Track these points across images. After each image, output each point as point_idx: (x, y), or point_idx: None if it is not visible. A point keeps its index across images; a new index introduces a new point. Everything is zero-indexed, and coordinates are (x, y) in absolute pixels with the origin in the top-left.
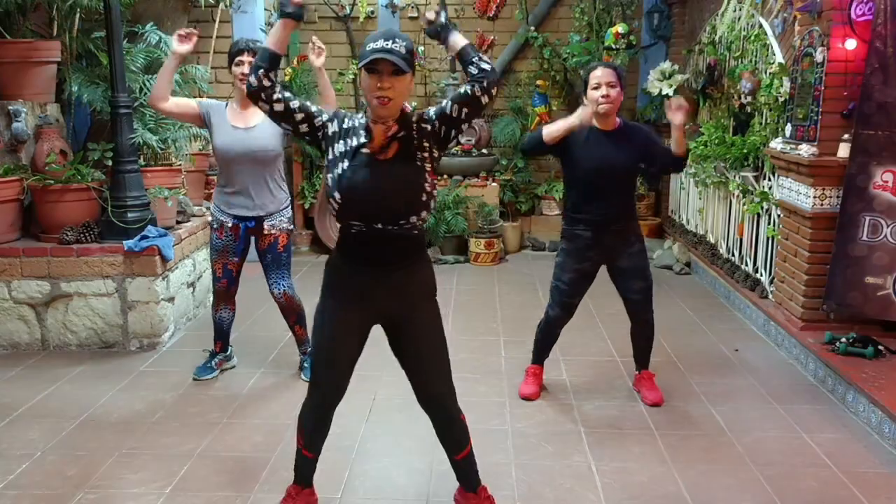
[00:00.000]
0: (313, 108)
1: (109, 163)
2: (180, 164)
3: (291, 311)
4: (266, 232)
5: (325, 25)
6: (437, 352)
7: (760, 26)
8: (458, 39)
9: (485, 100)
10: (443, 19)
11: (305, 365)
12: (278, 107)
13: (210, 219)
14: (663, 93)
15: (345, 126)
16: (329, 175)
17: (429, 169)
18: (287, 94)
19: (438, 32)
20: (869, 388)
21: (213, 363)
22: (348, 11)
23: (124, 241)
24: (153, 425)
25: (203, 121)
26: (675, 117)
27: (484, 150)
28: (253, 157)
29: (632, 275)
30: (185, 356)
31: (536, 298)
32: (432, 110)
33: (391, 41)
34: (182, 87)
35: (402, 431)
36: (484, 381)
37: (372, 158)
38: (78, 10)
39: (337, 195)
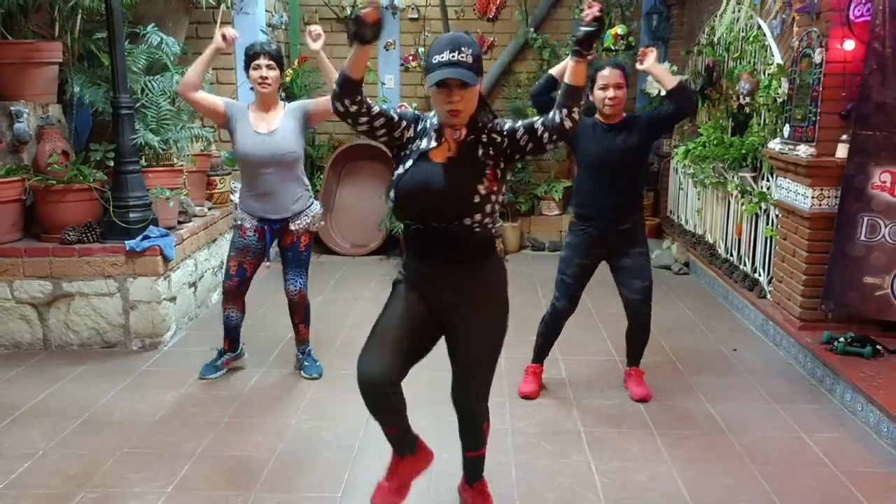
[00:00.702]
0: (395, 119)
1: (111, 163)
2: (182, 165)
3: (301, 308)
4: (292, 229)
5: (326, 27)
6: (478, 361)
7: (759, 27)
8: (581, 71)
9: (568, 124)
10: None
11: (306, 363)
12: (362, 127)
13: (235, 217)
14: (662, 93)
15: (418, 128)
16: (394, 172)
17: (488, 174)
18: (375, 111)
19: (589, 42)
20: (867, 387)
21: (219, 362)
22: (349, 12)
23: (126, 242)
24: (155, 425)
25: (226, 120)
26: (646, 61)
27: None
28: (276, 160)
29: (633, 273)
30: (187, 356)
31: (536, 298)
32: (507, 125)
33: (457, 52)
34: None
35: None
36: None
37: (431, 160)
38: (79, 11)
39: (392, 194)
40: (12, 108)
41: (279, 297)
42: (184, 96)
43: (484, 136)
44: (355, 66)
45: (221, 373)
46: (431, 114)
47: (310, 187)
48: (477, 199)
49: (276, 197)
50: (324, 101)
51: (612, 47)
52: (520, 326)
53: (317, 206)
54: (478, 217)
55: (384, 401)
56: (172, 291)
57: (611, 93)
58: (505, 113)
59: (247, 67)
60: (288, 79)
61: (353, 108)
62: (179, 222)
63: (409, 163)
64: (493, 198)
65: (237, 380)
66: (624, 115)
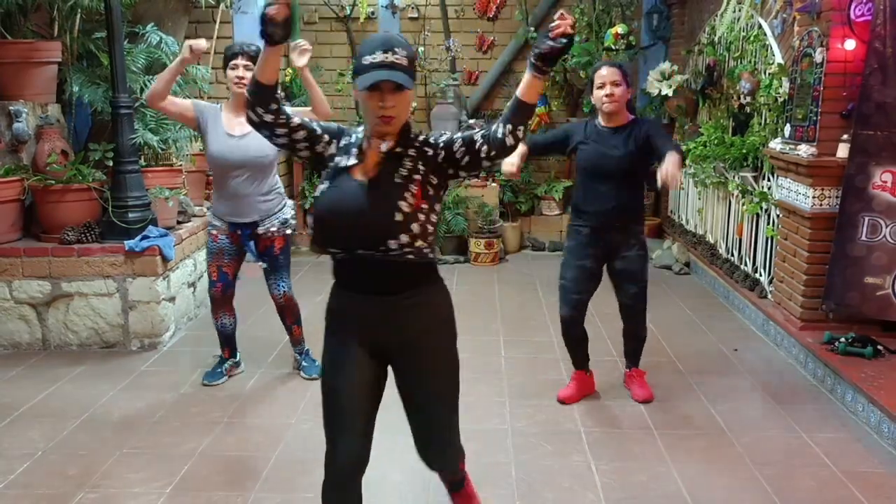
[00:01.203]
0: (318, 132)
1: (110, 163)
2: (181, 165)
3: (290, 310)
4: (262, 235)
5: (326, 26)
6: (440, 403)
7: (760, 27)
8: (536, 87)
9: (510, 142)
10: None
11: (304, 363)
12: (280, 140)
13: (207, 221)
14: (663, 93)
15: (341, 143)
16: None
17: (414, 190)
18: (295, 122)
19: (553, 59)
20: (868, 387)
21: (222, 369)
22: (349, 12)
23: (125, 241)
24: (154, 425)
25: (197, 123)
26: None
27: None
28: (248, 164)
29: (625, 277)
30: (186, 356)
31: (536, 298)
32: (444, 136)
33: (390, 52)
34: (183, 87)
35: (401, 431)
36: (484, 381)
37: (352, 178)
38: (79, 10)
39: (310, 220)
40: (11, 107)
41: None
42: (152, 106)
43: (413, 148)
44: (265, 70)
45: (224, 379)
46: (360, 129)
47: (282, 190)
48: (399, 218)
49: (245, 201)
50: (302, 110)
51: (613, 47)
52: (520, 327)
53: (289, 210)
54: (404, 238)
55: (354, 496)
56: (171, 291)
57: (608, 90)
58: None
59: (225, 67)
60: (287, 78)
61: (269, 118)
62: (179, 222)
63: (327, 183)
64: (422, 217)
65: (237, 380)
66: (630, 117)
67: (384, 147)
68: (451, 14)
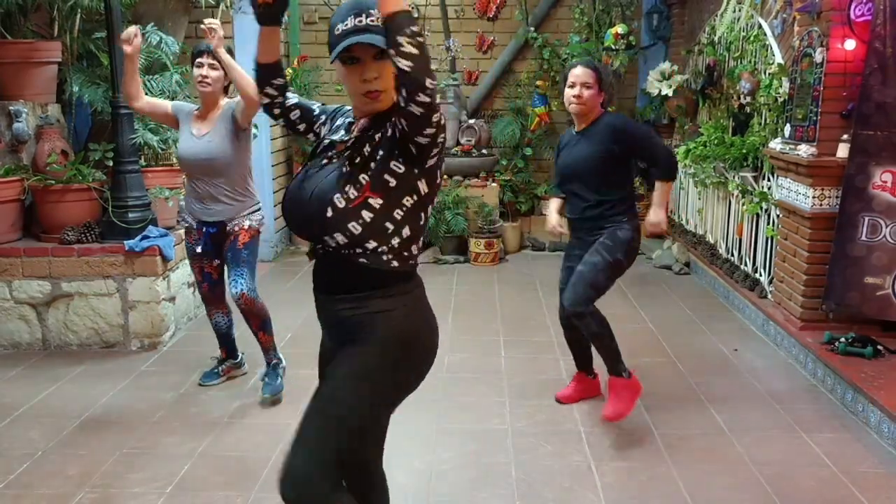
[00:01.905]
0: (315, 112)
1: (110, 163)
2: None
3: (252, 314)
4: (227, 230)
5: (325, 25)
6: (311, 417)
7: (760, 27)
8: None
9: (402, 64)
10: None
11: (266, 379)
12: (281, 121)
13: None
14: (663, 93)
15: (336, 124)
16: None
17: (364, 182)
18: (290, 102)
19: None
20: (868, 387)
21: (219, 370)
22: None
23: (125, 241)
24: (154, 425)
25: (176, 122)
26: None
27: (484, 151)
28: (203, 165)
29: (574, 278)
30: (186, 356)
31: (536, 298)
32: None
33: (364, 16)
34: (183, 87)
35: (401, 431)
36: (484, 381)
37: (321, 162)
38: (79, 10)
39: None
40: (11, 107)
41: (277, 297)
42: (131, 107)
43: (380, 132)
44: (259, 50)
45: (221, 380)
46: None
47: (252, 195)
48: (330, 214)
49: (208, 201)
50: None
51: (613, 46)
52: (520, 327)
53: (258, 216)
54: (340, 238)
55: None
56: (171, 291)
57: (577, 90)
58: (506, 113)
59: (192, 65)
60: (287, 78)
61: (266, 100)
62: (178, 222)
63: (301, 169)
64: (370, 215)
65: (237, 380)
66: (604, 120)
67: (355, 130)
68: (450, 14)
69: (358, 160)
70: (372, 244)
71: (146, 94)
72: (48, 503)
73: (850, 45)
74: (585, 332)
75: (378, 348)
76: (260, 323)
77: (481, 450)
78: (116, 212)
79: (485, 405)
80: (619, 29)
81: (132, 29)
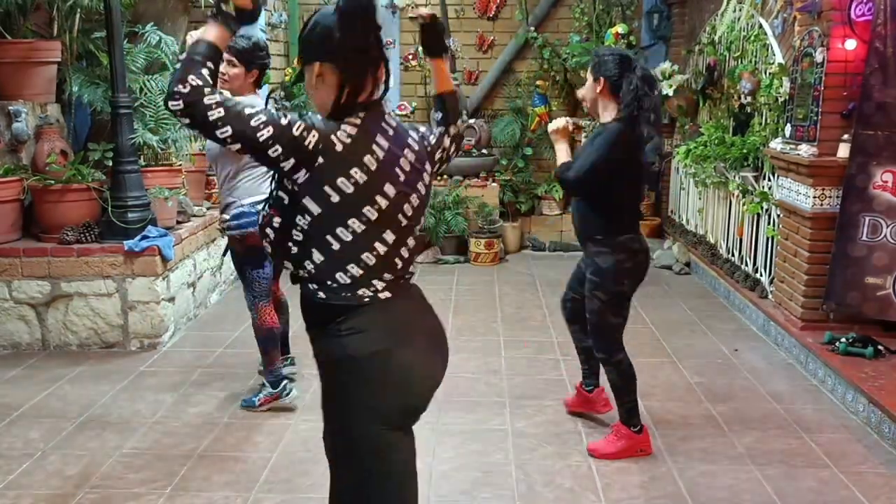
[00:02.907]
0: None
1: (110, 163)
2: (180, 165)
3: (256, 335)
4: (227, 235)
5: None
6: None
7: (760, 26)
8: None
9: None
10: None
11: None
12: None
13: None
14: (663, 93)
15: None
16: None
17: (295, 199)
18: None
19: (437, 37)
20: (869, 387)
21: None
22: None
23: (125, 242)
24: (154, 425)
25: None
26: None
27: (484, 151)
28: (214, 161)
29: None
30: (186, 356)
31: (536, 298)
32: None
33: None
34: None
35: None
36: (484, 381)
37: None
38: (78, 10)
39: None
40: (11, 107)
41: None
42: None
43: None
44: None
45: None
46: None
47: (246, 189)
48: (271, 234)
49: (222, 198)
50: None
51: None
52: (520, 327)
53: (236, 209)
54: (290, 266)
55: None
56: (171, 292)
57: (580, 93)
58: (506, 113)
59: None
60: (287, 78)
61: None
62: (178, 222)
63: None
64: (270, 231)
65: (237, 380)
66: (608, 124)
67: None
68: (451, 14)
69: (287, 183)
70: (290, 266)
71: (146, 92)
72: (48, 503)
73: (851, 44)
74: (608, 379)
75: (323, 370)
76: (256, 337)
77: (481, 450)
78: (116, 212)
79: (485, 405)
80: (620, 28)
81: None
